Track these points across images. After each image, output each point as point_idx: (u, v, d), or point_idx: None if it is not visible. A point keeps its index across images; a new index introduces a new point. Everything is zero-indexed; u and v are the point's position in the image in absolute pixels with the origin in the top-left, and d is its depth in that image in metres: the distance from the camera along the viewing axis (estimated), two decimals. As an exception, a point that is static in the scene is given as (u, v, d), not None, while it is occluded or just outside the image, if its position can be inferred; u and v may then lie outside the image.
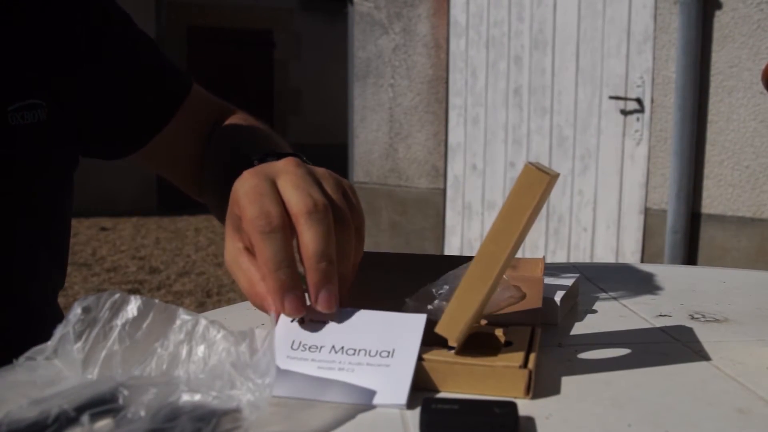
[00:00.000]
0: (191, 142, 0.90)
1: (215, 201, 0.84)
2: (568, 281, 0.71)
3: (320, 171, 0.58)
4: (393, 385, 0.47)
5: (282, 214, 0.52)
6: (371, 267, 0.64)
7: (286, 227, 0.52)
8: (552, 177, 0.48)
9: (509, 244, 0.48)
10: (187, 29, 8.55)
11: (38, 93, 0.73)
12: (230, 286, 4.66)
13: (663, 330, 0.64)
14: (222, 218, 0.72)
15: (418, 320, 0.51)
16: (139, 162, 0.89)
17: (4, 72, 0.71)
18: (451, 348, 0.51)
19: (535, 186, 0.48)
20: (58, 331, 0.41)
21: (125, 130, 0.85)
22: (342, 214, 0.54)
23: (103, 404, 0.36)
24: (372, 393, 0.47)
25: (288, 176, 0.54)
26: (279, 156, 0.63)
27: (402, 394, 0.47)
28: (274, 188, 0.54)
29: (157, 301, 0.45)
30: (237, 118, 0.92)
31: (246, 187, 0.54)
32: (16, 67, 0.72)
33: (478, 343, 0.52)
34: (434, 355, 0.50)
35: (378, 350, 0.50)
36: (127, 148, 0.87)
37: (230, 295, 4.48)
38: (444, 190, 4.24)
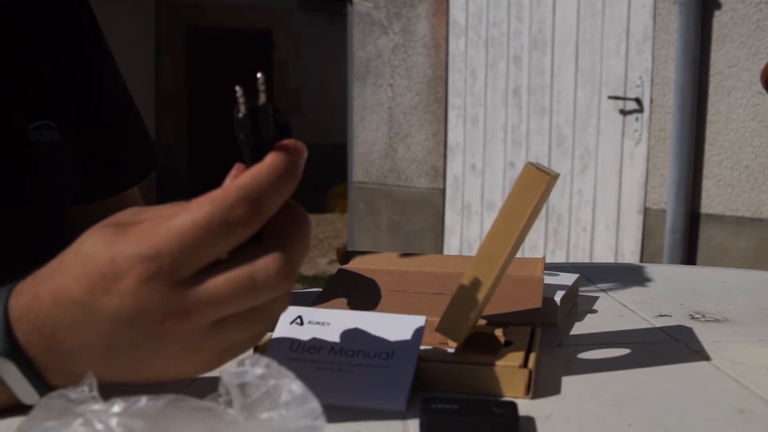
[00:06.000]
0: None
1: None
2: (568, 281, 0.71)
3: None
4: (392, 387, 0.47)
5: None
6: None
7: None
8: (552, 177, 0.48)
9: (509, 244, 0.48)
10: (187, 29, 8.53)
11: (49, 115, 0.73)
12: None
13: (663, 330, 0.64)
14: None
15: (418, 322, 0.51)
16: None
17: (26, 91, 0.71)
18: (451, 348, 0.51)
19: (535, 186, 0.48)
20: None
21: (98, 176, 0.81)
22: None
23: None
24: (371, 394, 0.47)
25: None
26: None
27: (401, 395, 0.47)
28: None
29: None
30: None
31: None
32: (35, 87, 0.72)
33: (478, 343, 0.52)
34: (434, 355, 0.50)
35: (377, 352, 0.50)
36: (87, 194, 0.81)
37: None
38: (443, 190, 4.24)
